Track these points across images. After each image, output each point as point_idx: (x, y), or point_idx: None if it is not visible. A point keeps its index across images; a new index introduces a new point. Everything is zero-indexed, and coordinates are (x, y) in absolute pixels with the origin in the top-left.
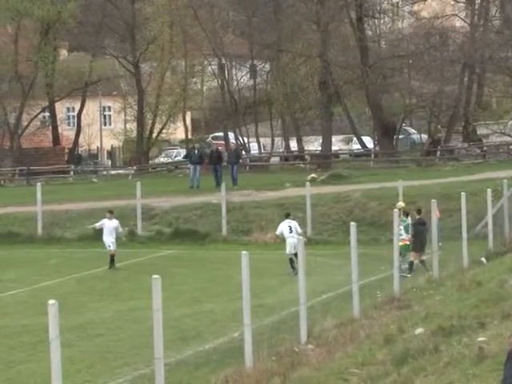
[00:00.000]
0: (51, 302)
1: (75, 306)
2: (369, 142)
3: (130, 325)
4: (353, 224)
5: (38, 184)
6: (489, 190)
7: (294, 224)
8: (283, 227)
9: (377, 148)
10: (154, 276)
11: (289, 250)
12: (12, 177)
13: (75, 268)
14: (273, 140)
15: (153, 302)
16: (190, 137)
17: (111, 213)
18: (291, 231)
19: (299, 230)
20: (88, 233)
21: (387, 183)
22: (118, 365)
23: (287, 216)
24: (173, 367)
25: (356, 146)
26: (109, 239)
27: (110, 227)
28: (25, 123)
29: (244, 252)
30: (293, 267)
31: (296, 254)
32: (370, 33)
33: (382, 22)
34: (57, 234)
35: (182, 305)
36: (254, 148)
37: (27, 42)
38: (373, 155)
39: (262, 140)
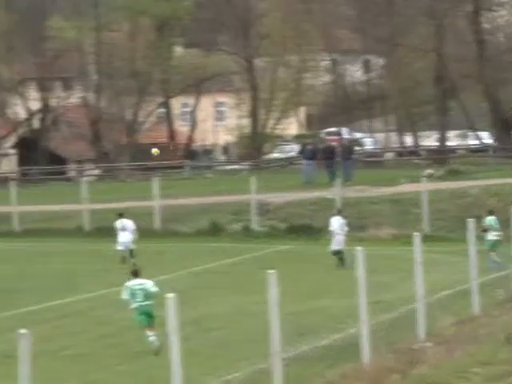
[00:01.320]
0: (169, 295)
1: (192, 300)
2: (486, 136)
3: (246, 319)
4: (470, 220)
5: (155, 179)
6: None
7: (343, 222)
8: (334, 223)
9: (495, 143)
10: (270, 271)
11: (334, 246)
12: (130, 172)
13: (192, 262)
14: (387, 135)
15: (268, 296)
16: (303, 132)
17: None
18: (339, 228)
19: (345, 228)
20: (204, 227)
21: (507, 179)
22: (236, 358)
23: (339, 213)
24: (289, 362)
25: (473, 141)
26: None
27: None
28: (141, 119)
29: (359, 248)
30: (342, 262)
31: (339, 251)
32: (486, 26)
33: (499, 14)
34: (174, 229)
35: (297, 300)
36: (367, 143)
37: (143, 40)
38: (491, 150)
39: (375, 135)
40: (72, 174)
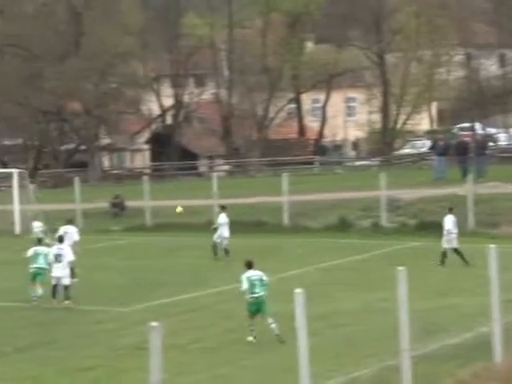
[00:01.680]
0: (298, 290)
1: (320, 296)
2: None
3: (375, 316)
4: None
5: (284, 175)
6: None
7: (455, 220)
8: (448, 221)
9: None
10: (399, 267)
11: (447, 244)
12: (259, 167)
13: (320, 258)
14: None
15: (398, 293)
16: (435, 128)
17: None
18: (453, 226)
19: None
20: (333, 223)
21: None
22: (364, 355)
23: (450, 211)
24: (419, 360)
25: None
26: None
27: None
28: (272, 115)
29: (492, 245)
30: (442, 261)
31: (456, 249)
32: None
33: None
34: (302, 224)
35: (427, 297)
36: (501, 139)
37: (275, 35)
38: None
39: (510, 130)
40: (203, 169)
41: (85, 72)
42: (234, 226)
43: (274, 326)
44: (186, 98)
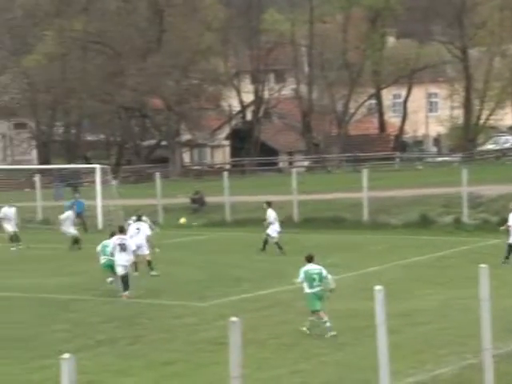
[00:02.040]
0: (377, 287)
1: (400, 293)
2: None
3: (456, 313)
4: None
5: (364, 170)
6: None
7: None
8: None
9: None
10: (482, 265)
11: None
12: (339, 163)
13: (400, 254)
14: None
15: (480, 291)
16: None
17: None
18: None
19: None
20: (414, 220)
21: None
22: (444, 353)
23: None
24: (501, 359)
25: None
26: None
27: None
28: (352, 110)
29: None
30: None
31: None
32: None
33: None
34: (382, 220)
35: (508, 295)
36: None
37: (356, 30)
38: None
39: None
40: (282, 165)
41: (166, 69)
42: (313, 222)
43: (328, 324)
44: (266, 94)
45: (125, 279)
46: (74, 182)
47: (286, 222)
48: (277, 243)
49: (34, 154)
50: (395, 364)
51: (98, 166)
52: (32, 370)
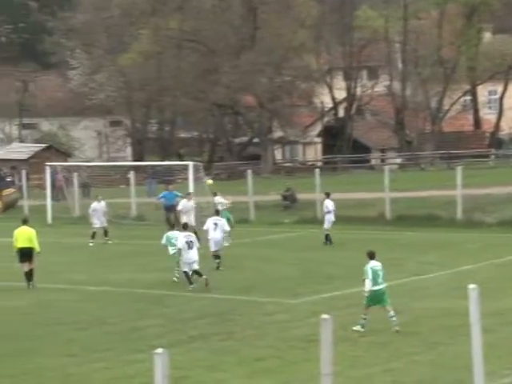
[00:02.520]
0: (471, 286)
1: (495, 292)
2: None
3: None
4: None
5: (458, 168)
6: None
7: None
8: None
9: None
10: (471, 286)
11: None
12: (432, 160)
13: (495, 253)
14: None
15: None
16: None
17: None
18: None
19: None
20: (509, 218)
21: None
22: None
23: None
24: None
25: None
26: None
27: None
28: (446, 107)
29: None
30: None
31: None
32: None
33: None
34: (476, 218)
35: None
36: None
37: (451, 26)
38: None
39: None
40: (375, 162)
41: (260, 66)
42: (407, 220)
43: (394, 318)
44: (358, 91)
45: (188, 274)
46: (167, 179)
47: (378, 220)
48: (327, 235)
49: (129, 151)
50: (490, 364)
51: (190, 163)
52: (126, 364)
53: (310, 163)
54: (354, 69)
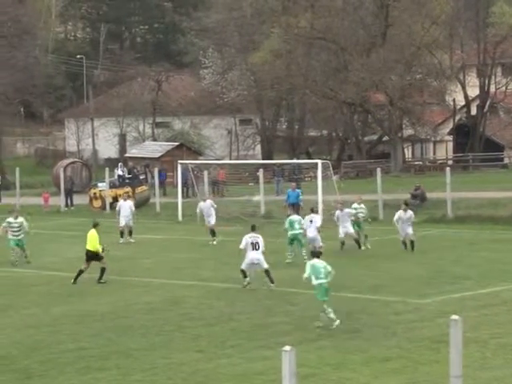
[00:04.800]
0: None
1: None
2: None
3: None
4: None
5: None
6: None
7: None
8: None
9: None
10: (453, 317)
11: None
12: None
13: None
14: None
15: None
16: None
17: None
18: None
19: None
20: None
21: None
22: None
23: None
24: None
25: None
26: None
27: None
28: None
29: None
30: None
31: None
32: None
33: None
34: None
35: None
36: None
37: None
38: None
39: None
40: (508, 160)
41: (390, 63)
42: None
43: (332, 315)
44: (492, 88)
45: (244, 272)
46: (296, 177)
47: (510, 220)
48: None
49: (258, 149)
50: None
51: (319, 161)
52: (253, 360)
53: (440, 161)
54: (488, 66)
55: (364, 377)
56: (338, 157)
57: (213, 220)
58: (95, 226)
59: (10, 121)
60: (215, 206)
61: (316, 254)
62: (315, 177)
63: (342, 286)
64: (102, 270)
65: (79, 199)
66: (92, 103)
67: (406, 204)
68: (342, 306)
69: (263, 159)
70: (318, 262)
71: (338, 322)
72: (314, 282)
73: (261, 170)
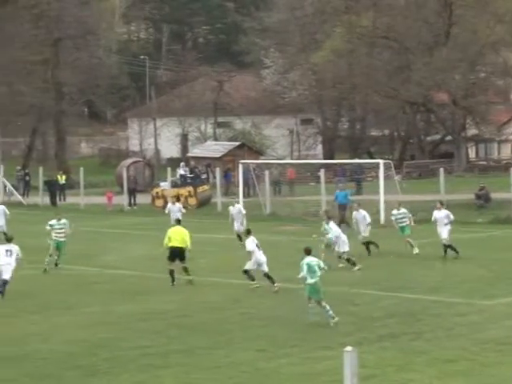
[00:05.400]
0: None
1: None
2: None
3: None
4: None
5: None
6: None
7: None
8: None
9: None
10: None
11: None
12: None
13: None
14: None
15: None
16: None
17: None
18: None
19: None
20: None
21: None
22: None
23: None
24: None
25: None
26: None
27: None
28: None
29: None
30: None
31: None
32: None
33: None
34: None
35: None
36: None
37: None
38: None
39: None
40: None
41: (454, 62)
42: None
43: (330, 312)
44: None
45: (249, 273)
46: (357, 177)
47: None
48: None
49: (319, 149)
50: None
51: (381, 161)
52: (314, 360)
53: (505, 161)
54: None
55: (427, 378)
56: (400, 157)
57: (239, 225)
58: (178, 222)
59: (74, 121)
60: (244, 211)
61: (308, 251)
62: (377, 177)
63: (401, 287)
64: (185, 269)
65: (142, 198)
66: (155, 103)
67: (442, 203)
68: (403, 307)
69: (324, 159)
70: (312, 260)
71: (337, 319)
72: (310, 281)
73: (322, 170)
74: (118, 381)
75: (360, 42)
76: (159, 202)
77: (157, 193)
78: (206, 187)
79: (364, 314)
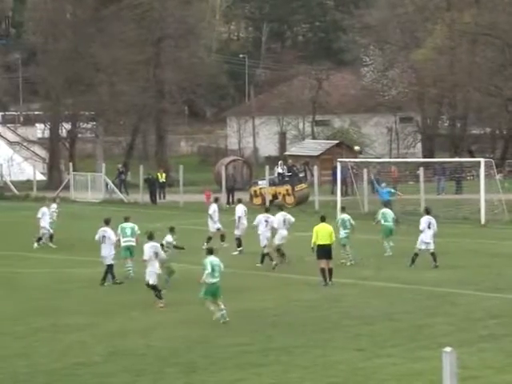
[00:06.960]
0: None
1: None
2: None
3: None
4: None
5: None
6: None
7: None
8: None
9: None
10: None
11: None
12: None
13: None
14: None
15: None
16: None
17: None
18: None
19: None
20: None
21: None
22: None
23: None
24: None
25: None
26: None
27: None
28: None
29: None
30: None
31: None
32: None
33: None
34: None
35: None
36: None
37: None
38: None
39: None
40: None
41: None
42: None
43: (224, 312)
44: None
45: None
46: (457, 176)
47: None
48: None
49: (419, 147)
50: None
51: (482, 160)
52: (413, 360)
53: None
54: None
55: None
56: (502, 155)
57: (239, 231)
58: (323, 218)
59: (174, 120)
60: (245, 209)
61: (210, 251)
62: (477, 176)
63: (501, 288)
64: (330, 270)
65: (240, 196)
66: (253, 102)
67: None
68: (505, 308)
69: (424, 157)
70: (215, 260)
71: (227, 319)
72: (211, 280)
73: (421, 169)
74: (217, 378)
75: (461, 39)
76: (257, 200)
77: (255, 191)
78: (303, 186)
79: (465, 314)
